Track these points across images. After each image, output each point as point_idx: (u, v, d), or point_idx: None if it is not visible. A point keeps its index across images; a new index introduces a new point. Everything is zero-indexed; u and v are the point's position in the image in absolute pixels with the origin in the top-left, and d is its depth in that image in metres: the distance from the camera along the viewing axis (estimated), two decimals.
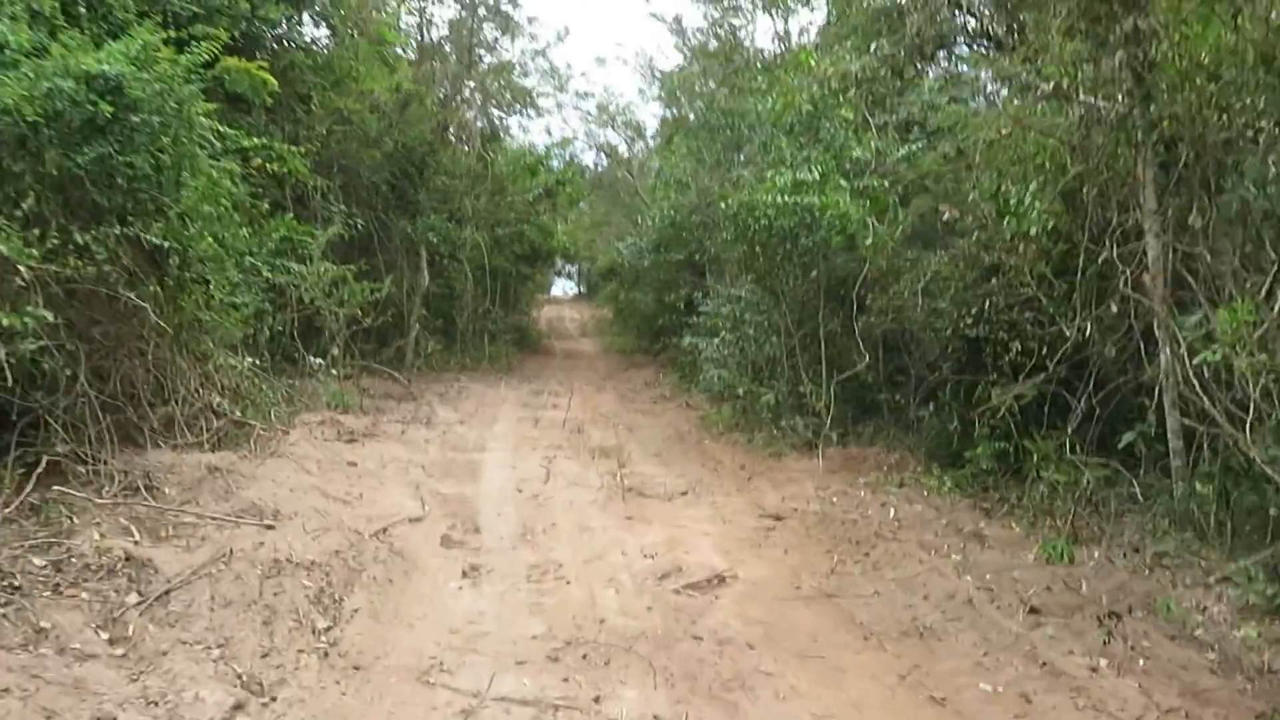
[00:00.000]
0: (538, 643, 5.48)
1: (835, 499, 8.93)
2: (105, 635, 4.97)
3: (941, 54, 14.13)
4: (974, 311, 9.62)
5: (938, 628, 5.77)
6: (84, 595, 5.30)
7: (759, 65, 18.58)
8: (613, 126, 30.90)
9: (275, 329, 11.96)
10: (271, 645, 5.07)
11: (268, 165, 13.45)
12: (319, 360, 11.86)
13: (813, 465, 10.52)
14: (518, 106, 23.47)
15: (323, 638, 5.30)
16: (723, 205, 12.06)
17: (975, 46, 13.58)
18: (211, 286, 9.35)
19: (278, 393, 11.13)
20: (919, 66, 13.18)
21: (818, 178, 10.94)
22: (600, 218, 31.23)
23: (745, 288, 13.44)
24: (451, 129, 21.18)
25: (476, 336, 23.04)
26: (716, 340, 14.10)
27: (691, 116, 26.00)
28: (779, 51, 19.50)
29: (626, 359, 27.12)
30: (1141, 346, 7.68)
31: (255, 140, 10.63)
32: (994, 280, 9.34)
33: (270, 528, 6.74)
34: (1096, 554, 6.73)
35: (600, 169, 33.04)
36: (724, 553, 7.47)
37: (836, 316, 12.43)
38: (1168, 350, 7.15)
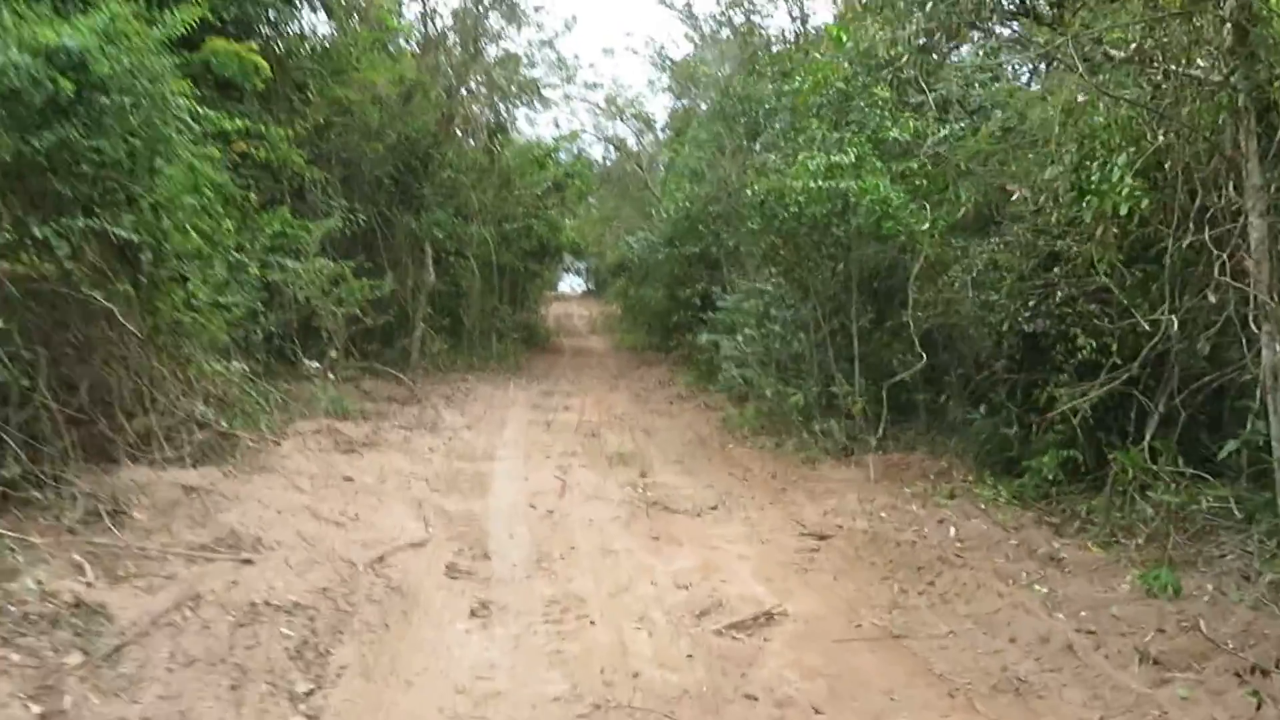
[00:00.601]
0: (560, 706, 4.51)
1: (884, 514, 7.96)
2: (37, 709, 4.03)
3: (975, 34, 13.14)
4: (1032, 304, 8.65)
5: (1035, 681, 4.79)
6: (15, 656, 4.36)
7: (779, 47, 17.51)
8: (621, 119, 29.94)
9: (269, 330, 11.02)
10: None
11: (260, 154, 12.54)
12: (315, 364, 10.92)
13: (851, 474, 9.55)
14: (524, 98, 22.48)
15: (302, 706, 4.34)
16: (748, 192, 11.08)
17: (1011, 22, 12.57)
18: (191, 285, 8.38)
19: (271, 400, 10.19)
20: (953, 44, 12.17)
21: (853, 160, 9.95)
22: (610, 212, 30.25)
23: (771, 281, 12.46)
24: (457, 121, 20.20)
25: (484, 335, 22.11)
26: (740, 338, 13.12)
27: (704, 105, 25.07)
28: (798, 32, 18.43)
29: (638, 357, 26.17)
30: (1243, 342, 6.67)
31: (238, 122, 9.62)
32: (1056, 269, 8.36)
33: (248, 561, 5.79)
34: (1205, 585, 5.73)
35: (609, 163, 32.08)
36: (766, 580, 6.51)
37: (869, 311, 11.47)
38: (1276, 346, 6.15)
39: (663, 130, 30.49)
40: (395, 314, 19.28)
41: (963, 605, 5.84)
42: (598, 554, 7.05)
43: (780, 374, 12.51)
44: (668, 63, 26.18)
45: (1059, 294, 8.45)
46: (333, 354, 11.35)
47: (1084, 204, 6.74)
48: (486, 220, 21.27)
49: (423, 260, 19.37)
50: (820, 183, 9.84)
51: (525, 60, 23.70)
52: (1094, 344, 7.67)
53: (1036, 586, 5.93)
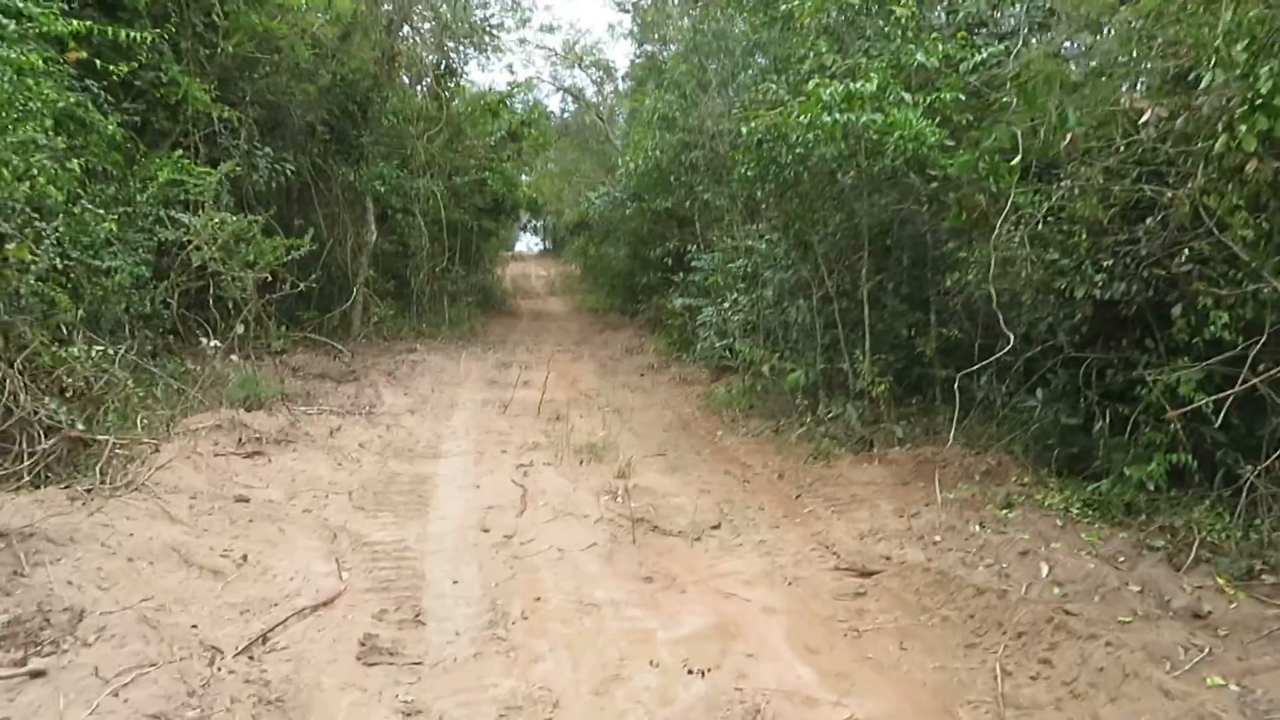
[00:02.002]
0: None
1: (938, 536, 6.02)
2: None
3: None
4: (1108, 264, 6.72)
5: None
6: None
7: None
8: (580, 66, 27.49)
9: (160, 300, 8.79)
10: None
11: (158, 89, 10.21)
12: (215, 342, 8.71)
13: (876, 473, 7.62)
14: (475, 39, 20.00)
15: None
16: (742, 130, 8.98)
17: None
18: (12, 247, 6.16)
19: (157, 390, 8.00)
20: None
21: (874, 89, 7.90)
22: (569, 165, 27.86)
23: (764, 238, 10.41)
24: (399, 61, 17.77)
25: (434, 299, 19.88)
26: (727, 304, 11.08)
27: (672, 48, 22.81)
28: None
29: (600, 319, 24.10)
30: None
31: (76, 24, 7.32)
32: (1149, 220, 6.42)
33: (38, 674, 3.69)
34: None
35: (567, 115, 29.65)
36: (810, 653, 4.55)
37: (880, 273, 9.50)
38: None
39: (623, 79, 28.12)
40: (332, 277, 17.06)
41: (1111, 707, 3.92)
42: (572, 610, 5.03)
43: (772, 345, 10.53)
44: (630, 3, 23.77)
45: (1144, 251, 6.56)
46: (239, 329, 9.12)
47: (1250, 122, 4.74)
48: (435, 174, 18.96)
49: (363, 216, 17.09)
50: (836, 116, 7.78)
51: None
52: (1195, 317, 5.75)
53: (1215, 679, 4.02)
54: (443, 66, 18.93)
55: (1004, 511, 6.41)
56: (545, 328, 22.53)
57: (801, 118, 8.21)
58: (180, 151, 9.47)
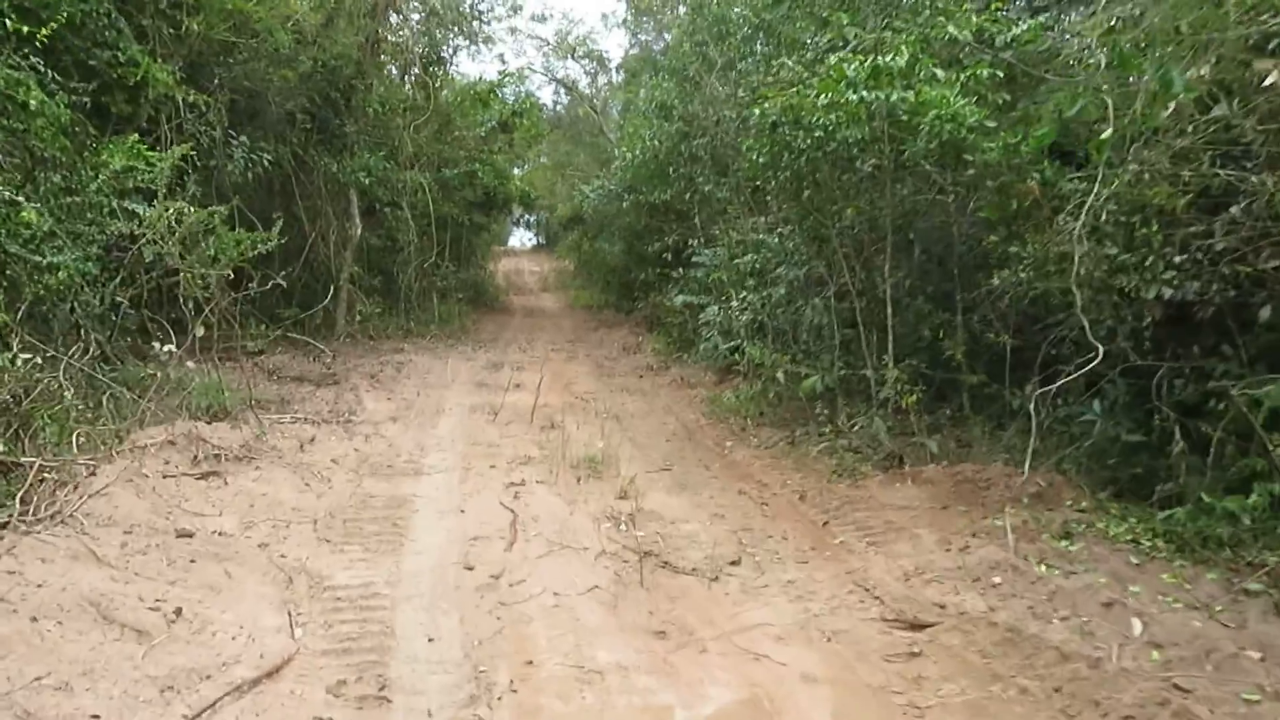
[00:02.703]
0: None
1: (997, 577, 5.10)
2: None
3: None
4: (1179, 260, 5.82)
5: None
6: None
7: None
8: (573, 57, 26.47)
9: (110, 300, 7.81)
10: None
11: (116, 70, 9.22)
12: (169, 347, 7.71)
13: (911, 494, 6.69)
14: (464, 26, 18.99)
15: None
16: (756, 112, 8.02)
17: None
18: None
19: (103, 401, 7.02)
20: None
21: (904, 64, 6.97)
22: (562, 158, 26.83)
23: (775, 231, 9.47)
24: (384, 48, 16.75)
25: (423, 295, 18.88)
26: (735, 303, 10.15)
27: (666, 38, 21.88)
28: None
29: (595, 317, 23.17)
30: None
31: None
32: (1234, 209, 5.52)
33: None
34: None
35: (560, 108, 28.64)
36: None
37: (905, 269, 8.59)
38: None
39: (617, 71, 27.13)
40: (315, 273, 16.07)
41: None
42: (571, 679, 4.09)
43: (783, 347, 9.61)
44: None
45: (1221, 245, 5.67)
46: (199, 330, 8.13)
47: None
48: (423, 166, 17.96)
49: (348, 210, 16.09)
50: (862, 94, 6.84)
51: None
52: None
53: None
54: (430, 54, 17.89)
55: (1063, 543, 5.50)
56: (539, 325, 21.58)
57: (820, 97, 7.29)
58: (136, 136, 8.47)
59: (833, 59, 7.07)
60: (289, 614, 4.56)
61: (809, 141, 7.74)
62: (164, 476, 6.29)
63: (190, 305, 8.19)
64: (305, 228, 15.60)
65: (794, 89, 7.68)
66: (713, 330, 11.93)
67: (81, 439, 6.23)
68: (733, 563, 5.56)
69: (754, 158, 8.40)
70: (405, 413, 10.08)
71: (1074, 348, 6.90)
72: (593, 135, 26.54)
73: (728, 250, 11.73)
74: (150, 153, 8.59)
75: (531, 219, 37.05)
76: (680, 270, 15.19)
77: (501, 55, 40.33)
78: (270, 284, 8.75)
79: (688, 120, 13.72)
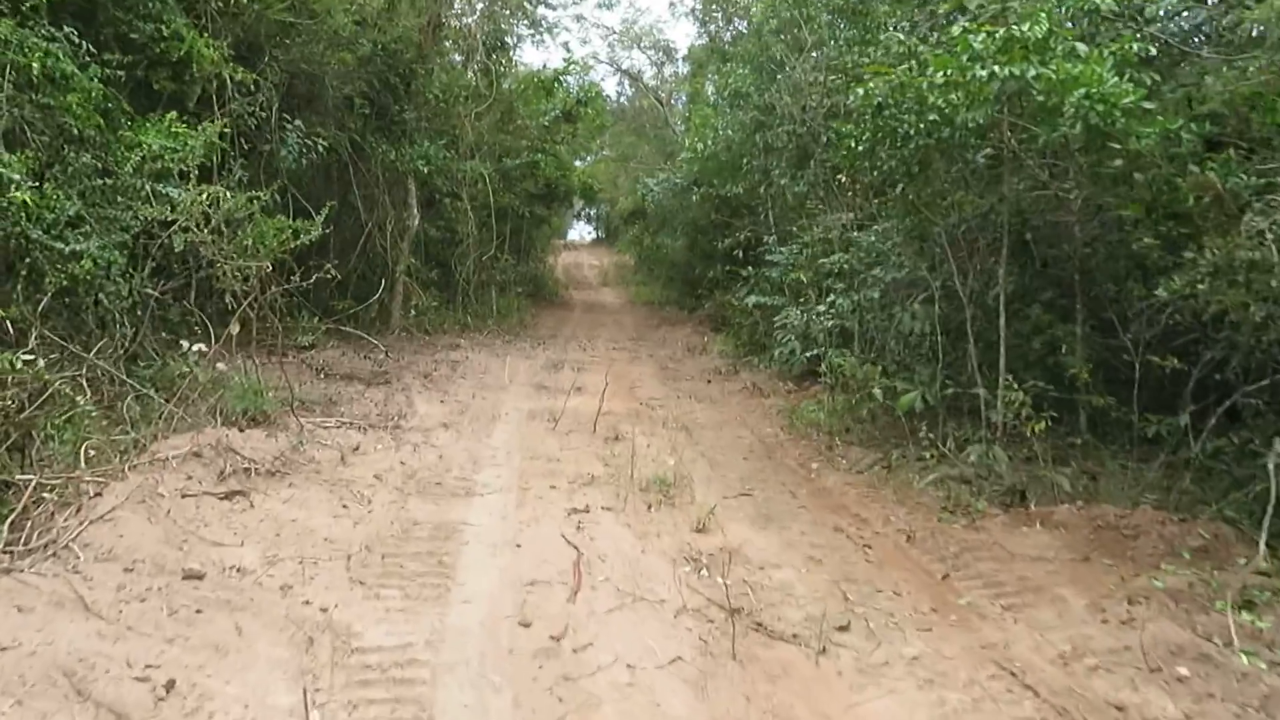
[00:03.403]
0: None
1: (1183, 667, 4.01)
2: None
3: None
4: None
5: None
6: None
7: None
8: (639, 47, 25.45)
9: (137, 292, 7.02)
10: None
11: (160, 46, 8.47)
12: (198, 346, 6.90)
13: (1043, 542, 5.60)
14: (527, 9, 18.06)
15: None
16: (859, 92, 6.94)
17: None
18: None
19: (124, 405, 6.23)
20: None
21: (1041, 35, 5.86)
22: (626, 149, 25.83)
23: (873, 228, 8.37)
24: (445, 31, 15.93)
25: (481, 289, 18.08)
26: (822, 306, 9.09)
27: (737, 25, 20.79)
28: None
29: (657, 314, 22.21)
30: None
31: None
32: None
33: None
34: None
35: (623, 99, 27.65)
36: None
37: (1016, 275, 7.47)
38: None
39: (682, 61, 26.05)
40: (372, 264, 15.33)
41: None
42: None
43: (875, 357, 8.54)
44: None
45: None
46: (234, 328, 7.30)
47: None
48: (484, 155, 17.12)
49: (405, 200, 15.30)
50: (994, 69, 5.76)
51: None
52: None
53: None
54: (493, 39, 17.03)
55: (1248, 617, 4.40)
56: (599, 321, 20.68)
57: (937, 74, 6.20)
58: (174, 114, 7.68)
59: (955, 29, 5.97)
60: (304, 690, 3.66)
61: (920, 126, 6.66)
62: (183, 496, 5.45)
63: (228, 299, 7.36)
64: (362, 217, 14.88)
65: (904, 66, 6.60)
66: (790, 335, 10.88)
67: (92, 451, 5.42)
68: (841, 628, 4.53)
69: (851, 145, 7.33)
70: (458, 418, 9.21)
71: (1239, 374, 5.76)
72: (657, 128, 25.52)
73: (809, 248, 10.67)
74: (184, 129, 7.77)
75: (592, 212, 36.17)
76: (750, 269, 14.17)
77: (566, 44, 39.09)
78: (314, 277, 7.87)
79: (764, 109, 12.64)
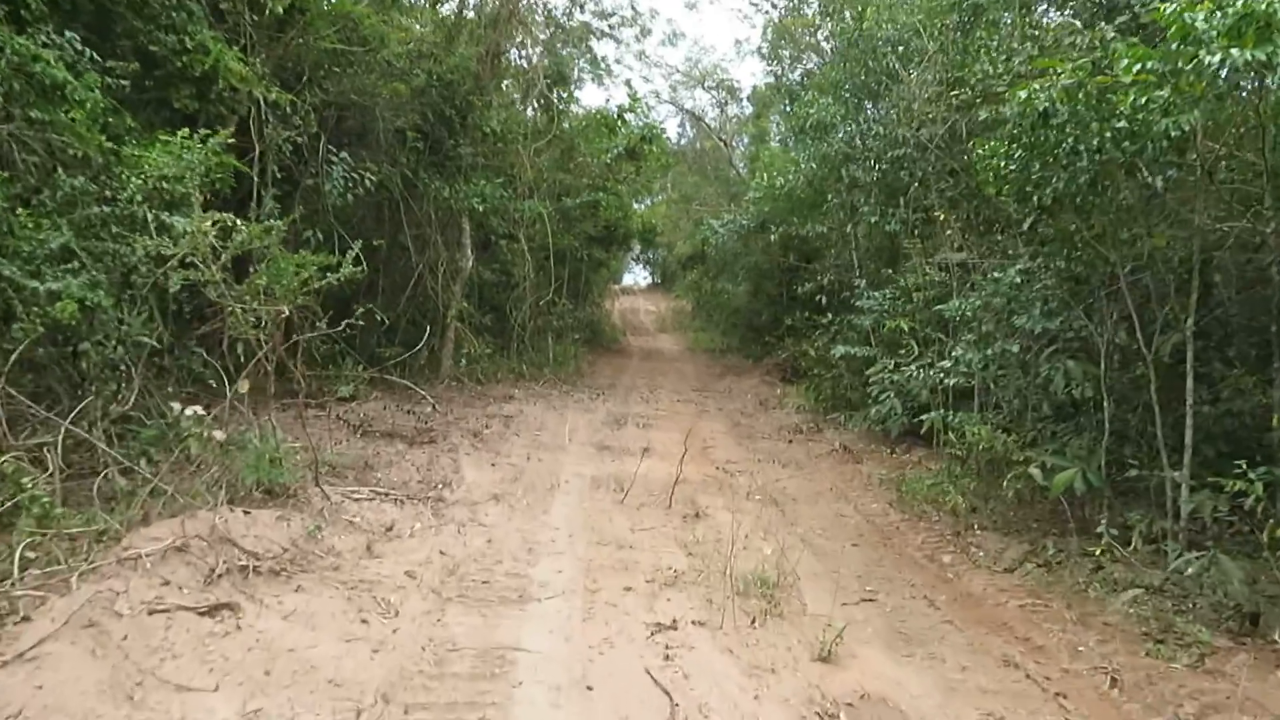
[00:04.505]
0: None
1: None
2: None
3: None
4: None
5: None
6: None
7: None
8: (703, 87, 24.24)
9: (128, 339, 5.69)
10: None
11: (182, 59, 7.29)
12: (193, 409, 5.53)
13: None
14: (589, 45, 16.90)
15: None
16: (1019, 96, 5.40)
17: None
18: None
19: (97, 484, 4.87)
20: None
21: None
22: (690, 190, 24.47)
23: (1014, 266, 6.75)
24: (503, 64, 14.77)
25: (537, 335, 16.73)
26: (946, 361, 7.51)
27: (808, 61, 19.48)
28: None
29: (718, 361, 20.71)
30: None
31: None
32: None
33: None
34: None
35: (684, 140, 26.42)
36: None
37: (1212, 325, 5.84)
38: None
39: (746, 101, 24.79)
40: (424, 309, 14.08)
41: None
42: None
43: (1001, 420, 6.92)
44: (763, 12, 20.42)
45: None
46: (243, 384, 5.94)
47: None
48: (542, 194, 15.86)
49: (459, 240, 14.06)
50: (1233, 54, 4.22)
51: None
52: None
53: None
54: (554, 72, 15.84)
55: None
56: (659, 369, 19.22)
57: (1129, 69, 4.68)
58: (186, 131, 6.43)
59: (1166, 8, 4.45)
60: None
61: (1106, 136, 5.12)
62: (150, 612, 4.04)
63: (239, 349, 6.02)
64: (413, 259, 13.65)
65: (1080, 61, 5.09)
66: (887, 391, 9.30)
67: (32, 554, 4.04)
68: None
69: (999, 165, 5.80)
70: (511, 487, 7.76)
71: None
72: (718, 169, 24.23)
73: (915, 292, 9.14)
74: (189, 141, 6.48)
75: (649, 256, 34.90)
76: (829, 315, 12.64)
77: (628, 81, 38.05)
78: (345, 322, 6.50)
79: (850, 140, 11.18)
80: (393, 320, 13.25)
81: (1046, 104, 5.21)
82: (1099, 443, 5.97)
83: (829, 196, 11.97)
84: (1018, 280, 6.39)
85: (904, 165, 9.90)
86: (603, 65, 19.01)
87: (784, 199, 14.36)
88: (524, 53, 15.64)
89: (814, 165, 11.63)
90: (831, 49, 14.11)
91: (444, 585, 5.14)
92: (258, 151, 9.21)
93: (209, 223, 5.48)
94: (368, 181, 11.00)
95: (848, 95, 11.41)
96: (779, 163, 15.06)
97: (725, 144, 24.32)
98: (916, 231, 10.41)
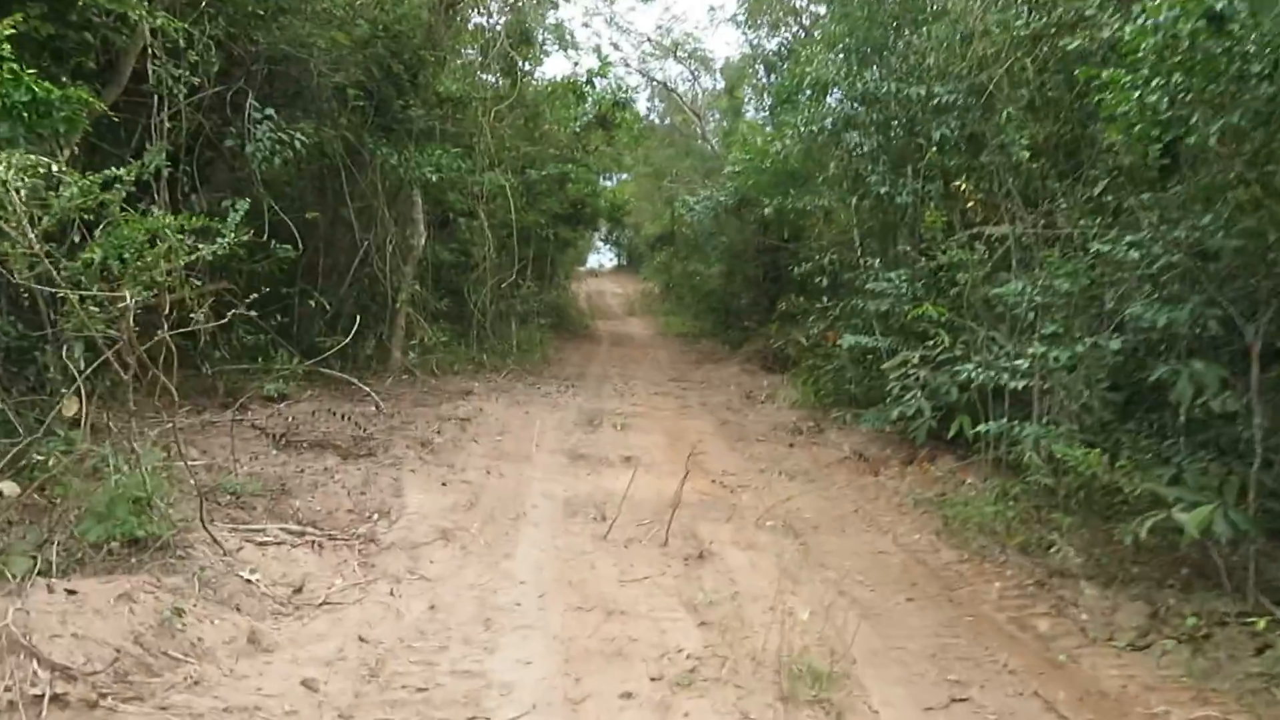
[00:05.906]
0: None
1: None
2: None
3: None
4: None
5: None
6: None
7: None
8: (674, 57, 22.40)
9: None
10: None
11: None
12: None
13: None
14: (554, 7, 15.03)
15: None
16: (1128, 29, 3.71)
17: None
18: None
19: None
20: None
21: None
22: (664, 164, 22.67)
23: (1127, 240, 5.06)
24: (461, 17, 12.86)
25: (500, 320, 14.91)
26: (1024, 362, 5.84)
27: (783, 33, 17.81)
28: None
29: (692, 347, 19.05)
30: None
31: None
32: None
33: None
34: None
35: (654, 115, 24.60)
36: None
37: None
38: None
39: (718, 74, 23.03)
40: (374, 293, 12.23)
41: None
42: None
43: (1101, 435, 5.31)
44: None
45: None
46: (72, 406, 4.10)
47: None
48: (505, 166, 13.98)
49: (410, 214, 12.19)
50: None
51: None
52: None
53: None
54: (516, 29, 13.93)
55: None
56: (630, 356, 17.50)
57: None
58: (33, 73, 4.50)
59: None
60: None
61: (1256, 78, 3.47)
62: None
63: (78, 352, 4.18)
64: (358, 236, 11.75)
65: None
66: (913, 390, 7.68)
67: None
68: None
69: (1136, 97, 4.13)
70: (465, 517, 6.01)
71: None
72: (689, 144, 22.48)
73: (942, 272, 7.54)
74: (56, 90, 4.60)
75: (616, 236, 33.05)
76: (825, 299, 11.01)
77: (597, 47, 36.05)
78: (231, 313, 4.70)
79: (857, 101, 9.49)
80: (335, 305, 11.42)
81: (1221, 3, 3.55)
82: (1249, 473, 4.37)
83: (830, 166, 10.28)
84: (1134, 256, 4.74)
85: (916, 128, 8.29)
86: (568, 32, 17.18)
87: (770, 171, 12.69)
88: (483, 6, 13.71)
89: (812, 129, 9.93)
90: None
91: (359, 704, 3.39)
92: (156, 102, 7.35)
93: (11, 170, 3.63)
94: (298, 143, 9.12)
95: (852, 48, 9.71)
96: (762, 135, 13.34)
97: (698, 117, 22.56)
98: (934, 205, 8.80)
